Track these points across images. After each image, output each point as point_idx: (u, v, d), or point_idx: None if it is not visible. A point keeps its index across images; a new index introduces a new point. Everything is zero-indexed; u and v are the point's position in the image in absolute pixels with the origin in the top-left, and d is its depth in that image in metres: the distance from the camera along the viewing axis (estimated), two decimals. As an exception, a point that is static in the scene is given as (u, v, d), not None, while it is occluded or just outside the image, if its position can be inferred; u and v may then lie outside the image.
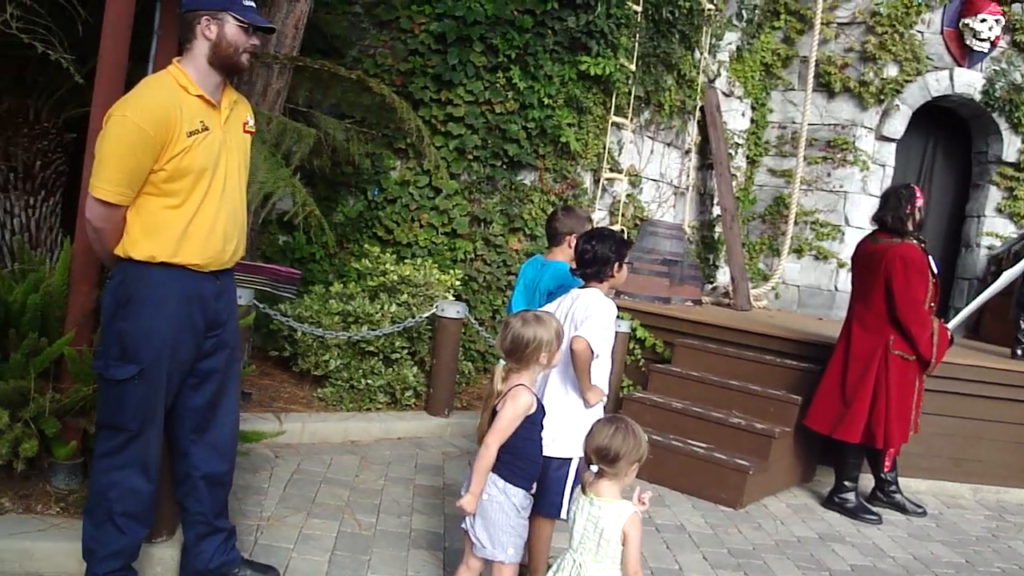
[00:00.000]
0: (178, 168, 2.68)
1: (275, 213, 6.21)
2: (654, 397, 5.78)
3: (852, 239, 8.33)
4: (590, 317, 3.20)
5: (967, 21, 8.34)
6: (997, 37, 8.38)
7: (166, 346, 2.74)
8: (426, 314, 5.67)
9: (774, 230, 9.08)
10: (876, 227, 5.19)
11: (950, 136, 9.15)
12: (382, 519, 4.07)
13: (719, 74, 8.55)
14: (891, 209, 5.05)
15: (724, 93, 8.68)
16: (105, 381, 2.74)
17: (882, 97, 8.57)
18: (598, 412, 3.26)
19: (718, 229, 8.73)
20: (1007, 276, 6.79)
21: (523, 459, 2.90)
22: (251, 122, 3.01)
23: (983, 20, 8.25)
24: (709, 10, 7.89)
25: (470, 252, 6.81)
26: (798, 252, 8.90)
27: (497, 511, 2.86)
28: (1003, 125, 8.56)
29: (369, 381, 5.54)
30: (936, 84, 8.56)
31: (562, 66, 6.69)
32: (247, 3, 2.80)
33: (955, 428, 5.86)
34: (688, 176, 8.41)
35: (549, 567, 2.81)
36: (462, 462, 5.11)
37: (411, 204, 6.84)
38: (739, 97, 8.91)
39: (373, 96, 5.83)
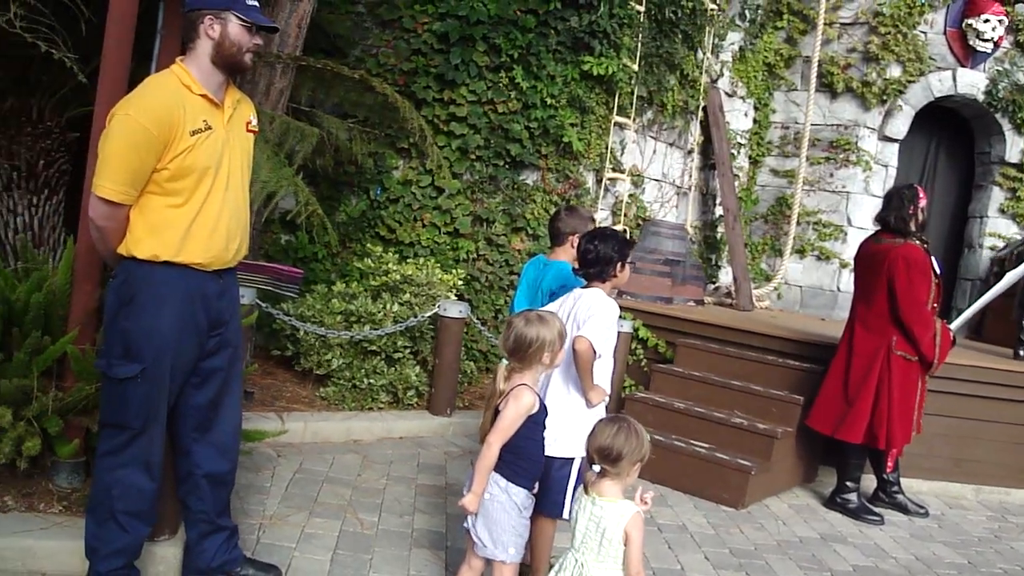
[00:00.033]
0: (181, 167, 2.69)
1: (278, 212, 6.22)
2: (656, 397, 5.78)
3: (854, 240, 8.31)
4: (592, 317, 3.20)
5: (970, 21, 8.33)
6: (1000, 37, 8.36)
7: (169, 345, 2.74)
8: (428, 314, 5.67)
9: (776, 230, 9.08)
10: (879, 227, 5.19)
11: (953, 137, 9.14)
12: (384, 518, 4.07)
13: (722, 74, 8.55)
14: (894, 209, 5.04)
15: (727, 93, 8.67)
16: (108, 380, 2.74)
17: (885, 97, 8.56)
18: (600, 412, 3.26)
19: (720, 229, 8.73)
20: (1010, 277, 6.79)
21: (525, 458, 2.90)
22: (254, 121, 3.01)
23: (986, 20, 8.24)
24: (712, 10, 7.89)
25: (472, 252, 6.82)
26: (800, 252, 8.89)
27: (499, 510, 2.87)
28: (1006, 126, 8.55)
29: (371, 380, 5.54)
30: (939, 84, 8.55)
31: (565, 66, 6.69)
32: (250, 2, 2.80)
33: (957, 429, 5.85)
34: (690, 176, 8.41)
35: (551, 567, 2.81)
36: (464, 461, 5.11)
37: (413, 204, 6.85)
38: (742, 97, 8.90)
39: (376, 96, 5.83)
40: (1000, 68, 8.46)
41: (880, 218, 5.15)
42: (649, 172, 7.83)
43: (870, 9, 8.57)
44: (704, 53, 8.06)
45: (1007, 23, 8.33)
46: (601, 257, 3.30)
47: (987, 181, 8.84)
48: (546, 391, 3.25)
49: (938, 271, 5.03)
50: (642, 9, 6.97)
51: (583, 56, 6.68)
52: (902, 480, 5.42)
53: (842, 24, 8.75)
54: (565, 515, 3.18)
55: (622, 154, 7.32)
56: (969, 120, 8.98)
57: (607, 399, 3.33)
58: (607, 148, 7.05)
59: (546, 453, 3.04)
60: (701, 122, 8.37)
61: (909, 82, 8.52)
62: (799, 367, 5.76)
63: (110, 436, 2.76)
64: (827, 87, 8.74)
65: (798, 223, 8.60)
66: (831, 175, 8.82)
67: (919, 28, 8.51)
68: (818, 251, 8.87)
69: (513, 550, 2.88)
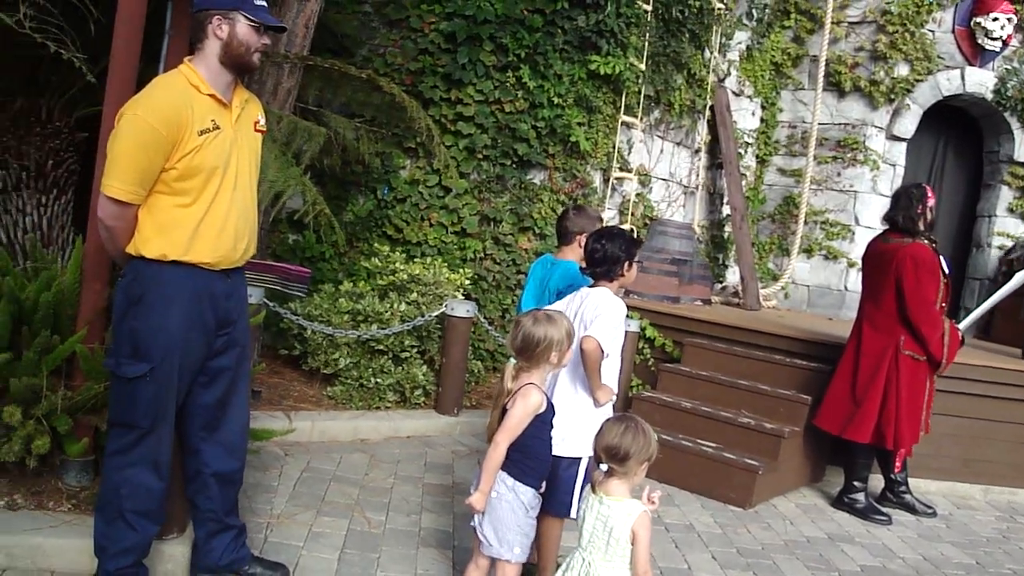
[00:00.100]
0: (189, 167, 2.70)
1: (285, 212, 6.23)
2: (663, 396, 5.77)
3: (862, 239, 8.31)
4: (600, 316, 3.19)
5: (979, 20, 8.29)
6: (1009, 36, 8.32)
7: (177, 344, 2.75)
8: (435, 313, 5.68)
9: (784, 230, 9.06)
10: (887, 227, 5.17)
11: (961, 135, 9.11)
12: (391, 517, 4.07)
13: (729, 73, 8.53)
14: (902, 209, 5.03)
15: (734, 92, 8.66)
16: (117, 379, 2.75)
17: (892, 96, 8.53)
18: (607, 411, 3.26)
19: (728, 229, 8.71)
20: (1019, 277, 6.75)
21: (533, 458, 2.90)
22: (262, 121, 3.02)
23: (995, 19, 8.20)
24: (719, 9, 7.88)
25: (479, 251, 6.82)
26: (808, 252, 8.87)
27: (506, 509, 2.87)
28: (1015, 124, 8.51)
29: (378, 380, 5.55)
30: (947, 83, 8.51)
31: (572, 65, 6.69)
32: (258, 2, 2.81)
33: (965, 429, 5.83)
34: (698, 175, 8.39)
35: (558, 566, 2.81)
36: (471, 460, 5.11)
37: (421, 203, 6.85)
38: (749, 96, 8.89)
39: (383, 95, 5.84)
40: (1009, 67, 8.42)
41: (888, 217, 5.14)
42: (656, 171, 7.82)
43: (878, 8, 8.54)
44: (711, 52, 8.05)
45: (1016, 21, 8.29)
46: (608, 256, 3.30)
47: (996, 180, 8.81)
48: (553, 390, 3.25)
49: (946, 270, 5.01)
50: (649, 8, 6.96)
51: (590, 55, 6.67)
52: (910, 480, 5.40)
53: (850, 23, 8.73)
54: (572, 514, 3.18)
55: (629, 153, 7.31)
56: (978, 119, 8.95)
57: (614, 398, 3.33)
58: (614, 147, 7.04)
59: (553, 452, 3.04)
60: (708, 121, 8.36)
61: (917, 81, 8.49)
62: (806, 367, 5.75)
63: (119, 435, 2.77)
64: (835, 86, 8.71)
65: (805, 222, 8.58)
66: (839, 174, 8.80)
67: (927, 27, 8.47)
68: (825, 250, 8.84)
69: (519, 549, 2.89)
